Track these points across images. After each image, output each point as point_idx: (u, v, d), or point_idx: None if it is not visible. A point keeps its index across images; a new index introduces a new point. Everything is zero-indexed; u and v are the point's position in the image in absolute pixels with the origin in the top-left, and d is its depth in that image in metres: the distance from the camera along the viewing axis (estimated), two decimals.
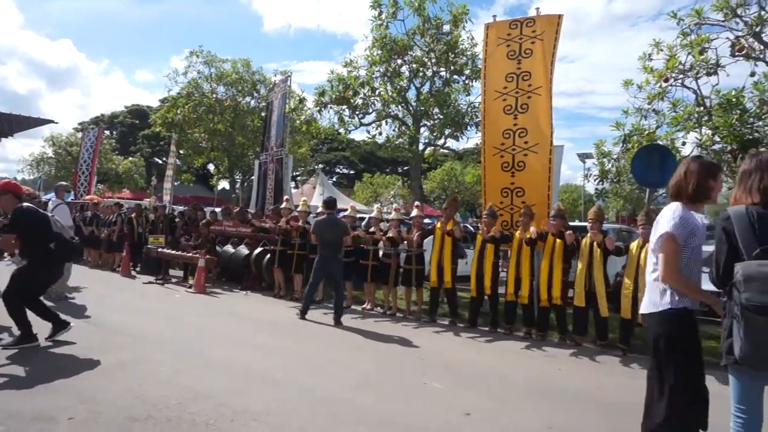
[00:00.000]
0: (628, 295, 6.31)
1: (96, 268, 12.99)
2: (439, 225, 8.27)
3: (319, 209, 8.94)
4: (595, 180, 9.17)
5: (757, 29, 7.66)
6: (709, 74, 8.05)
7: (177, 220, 13.35)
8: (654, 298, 2.98)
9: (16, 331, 5.45)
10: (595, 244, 6.72)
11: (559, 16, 8.49)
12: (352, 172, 52.20)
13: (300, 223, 9.52)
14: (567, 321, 7.03)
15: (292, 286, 9.79)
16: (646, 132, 8.33)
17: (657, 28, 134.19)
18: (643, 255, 6.25)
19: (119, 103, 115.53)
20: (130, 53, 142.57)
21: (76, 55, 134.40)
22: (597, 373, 5.63)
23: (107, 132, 24.66)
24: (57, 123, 15.46)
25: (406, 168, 47.36)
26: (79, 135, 28.06)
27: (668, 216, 2.92)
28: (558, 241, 7.04)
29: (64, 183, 13.38)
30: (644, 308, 3.06)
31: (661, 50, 7.51)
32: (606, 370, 5.73)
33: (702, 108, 7.80)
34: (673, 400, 2.81)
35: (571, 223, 8.92)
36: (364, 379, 4.92)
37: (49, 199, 16.57)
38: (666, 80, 7.50)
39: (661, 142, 7.97)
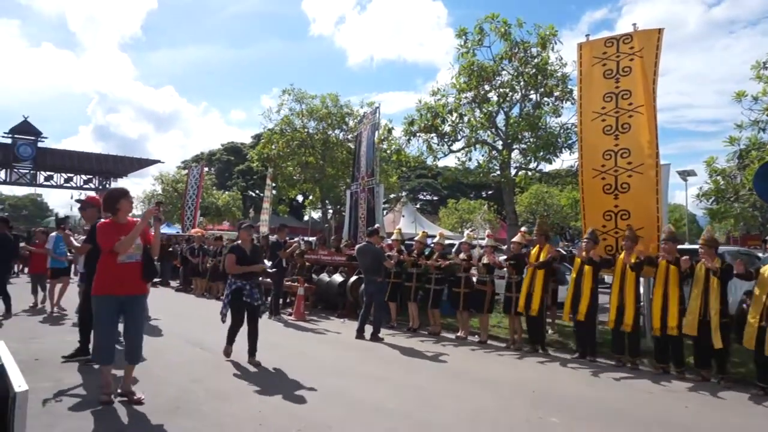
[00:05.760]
0: (754, 324, 5.71)
1: (201, 297, 13.88)
2: (534, 252, 8.05)
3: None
4: (708, 200, 8.53)
5: None
6: None
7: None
8: None
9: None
10: (711, 273, 6.17)
11: (659, 31, 8.11)
12: (435, 198, 52.23)
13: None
14: (686, 352, 6.50)
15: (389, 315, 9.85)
16: None
17: (759, 33, 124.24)
18: None
19: (216, 141, 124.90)
20: (225, 95, 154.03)
21: (178, 100, 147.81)
22: (731, 413, 5.10)
23: (206, 168, 26.69)
24: (164, 162, 16.91)
25: (490, 192, 46.71)
26: (184, 172, 30.45)
27: None
28: (672, 266, 6.58)
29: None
30: None
31: None
32: (739, 411, 5.18)
33: None
34: None
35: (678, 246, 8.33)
36: (478, 412, 4.81)
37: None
38: None
39: None
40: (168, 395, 4.95)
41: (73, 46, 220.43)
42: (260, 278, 6.52)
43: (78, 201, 6.65)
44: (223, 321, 6.46)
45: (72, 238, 6.53)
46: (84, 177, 33.96)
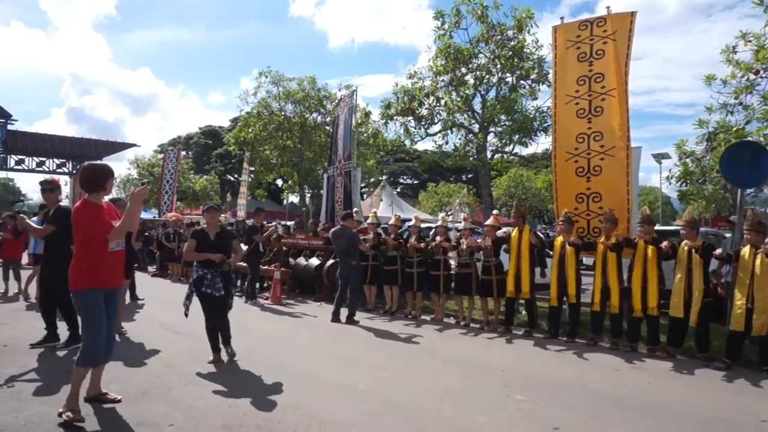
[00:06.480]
0: (741, 306, 5.78)
1: (177, 282, 13.76)
2: (514, 234, 8.09)
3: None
4: (677, 182, 8.71)
5: None
6: None
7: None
8: None
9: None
10: (693, 251, 6.31)
11: (632, 14, 8.14)
12: (416, 182, 52.37)
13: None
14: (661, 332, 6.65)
15: (365, 298, 9.89)
16: (734, 128, 7.82)
17: (735, 16, 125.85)
18: (758, 263, 5.72)
19: (194, 124, 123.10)
20: (203, 77, 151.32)
21: (154, 82, 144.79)
22: (694, 387, 5.26)
23: (183, 152, 26.20)
24: (140, 146, 16.62)
25: (470, 176, 46.93)
26: (160, 156, 29.96)
27: None
28: (650, 247, 6.68)
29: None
30: None
31: (749, 41, 7.03)
32: (704, 385, 5.34)
33: None
34: None
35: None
36: (447, 391, 4.89)
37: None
38: (756, 72, 7.02)
39: (752, 139, 7.44)
40: (139, 380, 4.93)
41: (45, 25, 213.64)
42: (225, 265, 5.68)
43: (42, 183, 6.39)
44: (186, 315, 5.75)
45: (30, 221, 6.32)
46: (57, 161, 33.17)
